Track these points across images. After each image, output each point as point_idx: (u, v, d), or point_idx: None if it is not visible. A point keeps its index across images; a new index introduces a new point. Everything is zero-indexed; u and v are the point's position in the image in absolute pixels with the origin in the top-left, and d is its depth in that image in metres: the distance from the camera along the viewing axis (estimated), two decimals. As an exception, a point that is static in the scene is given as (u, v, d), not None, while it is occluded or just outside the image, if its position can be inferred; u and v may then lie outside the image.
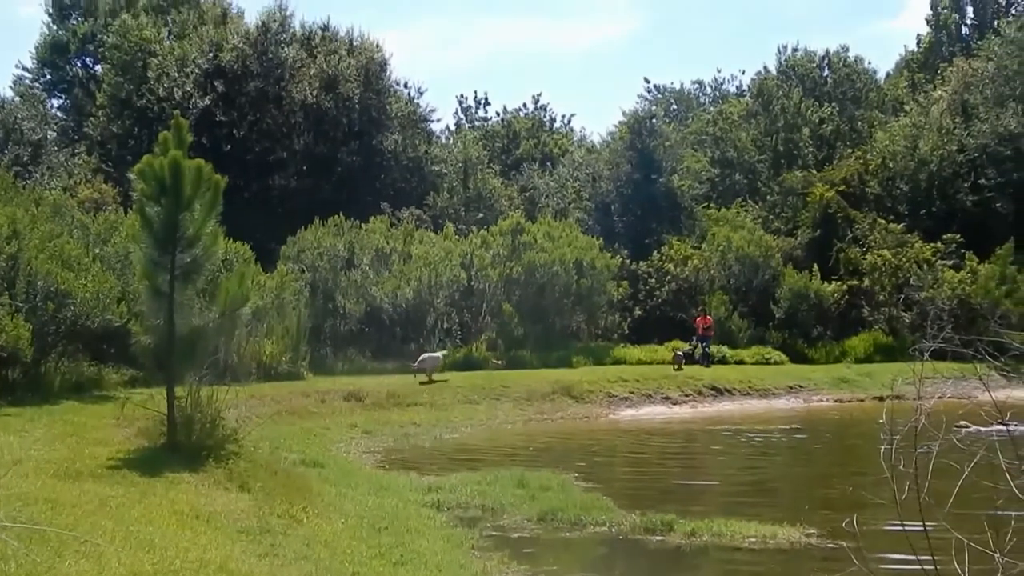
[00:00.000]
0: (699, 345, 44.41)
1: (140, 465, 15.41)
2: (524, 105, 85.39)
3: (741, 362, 44.93)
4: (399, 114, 59.38)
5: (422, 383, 35.29)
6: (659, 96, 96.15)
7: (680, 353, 43.31)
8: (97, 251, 29.67)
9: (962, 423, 7.66)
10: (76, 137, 62.84)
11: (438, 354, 37.73)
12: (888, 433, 7.26)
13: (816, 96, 72.53)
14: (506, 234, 46.23)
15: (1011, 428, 7.51)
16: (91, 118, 60.58)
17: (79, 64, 73.03)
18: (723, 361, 44.45)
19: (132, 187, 17.44)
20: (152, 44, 58.45)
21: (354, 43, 59.51)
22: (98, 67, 67.67)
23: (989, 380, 7.53)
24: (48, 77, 73.99)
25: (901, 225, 54.25)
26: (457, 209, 56.59)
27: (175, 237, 16.48)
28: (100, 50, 65.51)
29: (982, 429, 8.44)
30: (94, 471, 14.77)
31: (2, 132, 53.67)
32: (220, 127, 53.23)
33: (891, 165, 60.12)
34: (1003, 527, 7.14)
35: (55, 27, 73.71)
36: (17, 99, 64.01)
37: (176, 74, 55.49)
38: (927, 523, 7.19)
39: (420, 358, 36.67)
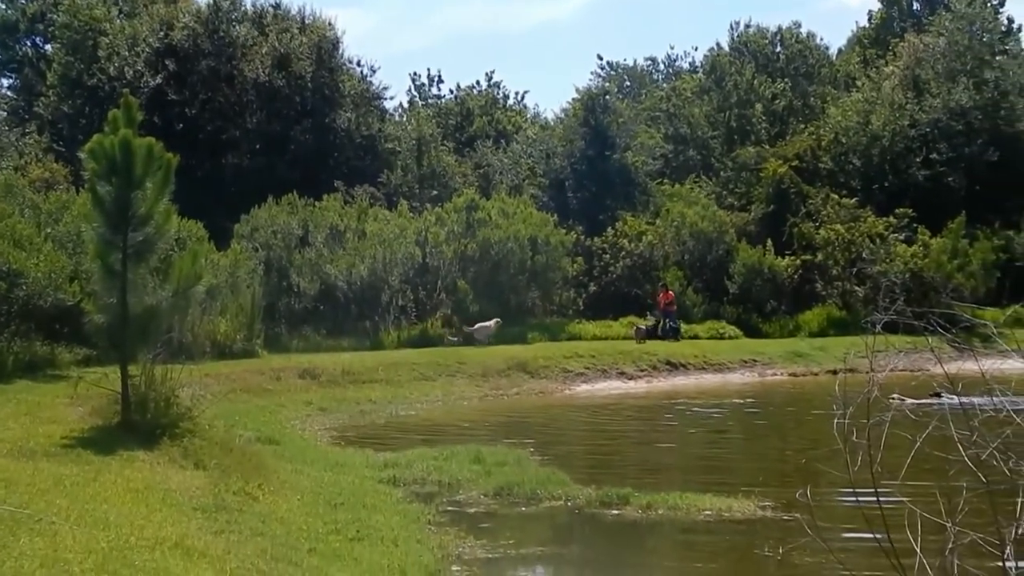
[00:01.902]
0: (664, 320, 44.57)
1: (94, 443, 15.37)
2: (477, 82, 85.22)
3: (696, 337, 45.01)
4: (352, 92, 59.05)
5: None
6: (612, 73, 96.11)
7: (643, 328, 43.53)
8: (49, 230, 29.49)
9: (895, 396, 7.70)
10: (26, 117, 62.36)
11: (490, 323, 40.98)
12: (841, 405, 7.31)
13: (769, 72, 72.54)
14: (460, 211, 46.19)
15: (946, 399, 7.56)
16: (41, 98, 60.11)
17: (29, 43, 72.40)
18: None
19: (83, 166, 17.34)
20: (102, 23, 57.91)
21: (306, 21, 59.13)
22: (48, 46, 67.09)
23: (941, 352, 7.59)
24: (-3, 57, 73.44)
25: (854, 200, 54.46)
26: (411, 186, 56.39)
27: (127, 216, 16.41)
28: (50, 29, 64.99)
29: (915, 401, 8.50)
30: (48, 450, 14.73)
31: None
32: (172, 106, 52.87)
33: (844, 140, 60.33)
34: (955, 497, 7.19)
35: (4, 6, 73.02)
36: (-34, 79, 63.59)
37: (127, 53, 55.05)
38: (880, 494, 7.25)
39: (476, 327, 39.88)
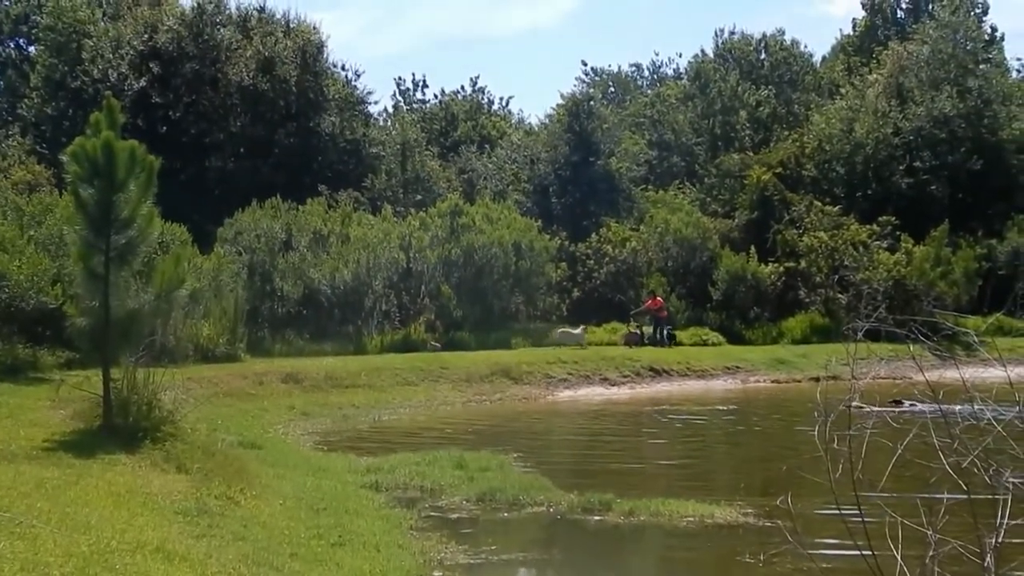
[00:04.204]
0: (656, 327, 44.71)
1: (76, 447, 15.36)
2: (462, 87, 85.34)
3: (679, 343, 45.03)
4: (336, 96, 59.05)
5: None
6: (597, 79, 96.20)
7: (636, 333, 43.71)
8: (31, 233, 29.46)
9: (854, 403, 7.72)
10: (10, 119, 62.38)
11: (576, 330, 42.81)
12: (822, 413, 7.32)
13: (753, 79, 72.84)
14: (444, 216, 46.19)
15: (906, 407, 7.62)
16: (25, 100, 60.05)
17: (12, 45, 72.27)
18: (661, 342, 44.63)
19: (66, 169, 17.32)
20: (86, 25, 57.90)
21: (291, 25, 59.12)
22: (32, 48, 66.99)
23: (923, 360, 7.61)
24: (-20, 59, 73.24)
25: (837, 207, 54.58)
26: (395, 191, 56.38)
27: (110, 219, 16.41)
28: (34, 31, 64.89)
29: (875, 408, 8.52)
30: (29, 453, 14.71)
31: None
32: (156, 109, 52.81)
33: (827, 148, 60.52)
34: (936, 505, 7.21)
35: (-13, 8, 72.98)
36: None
37: (111, 55, 54.98)
38: (861, 501, 7.25)
39: (559, 332, 42.78)
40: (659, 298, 45.90)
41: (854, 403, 7.67)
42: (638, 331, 44.41)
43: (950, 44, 61.85)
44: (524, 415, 31.67)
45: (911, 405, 18.29)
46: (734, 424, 30.46)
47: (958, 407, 7.34)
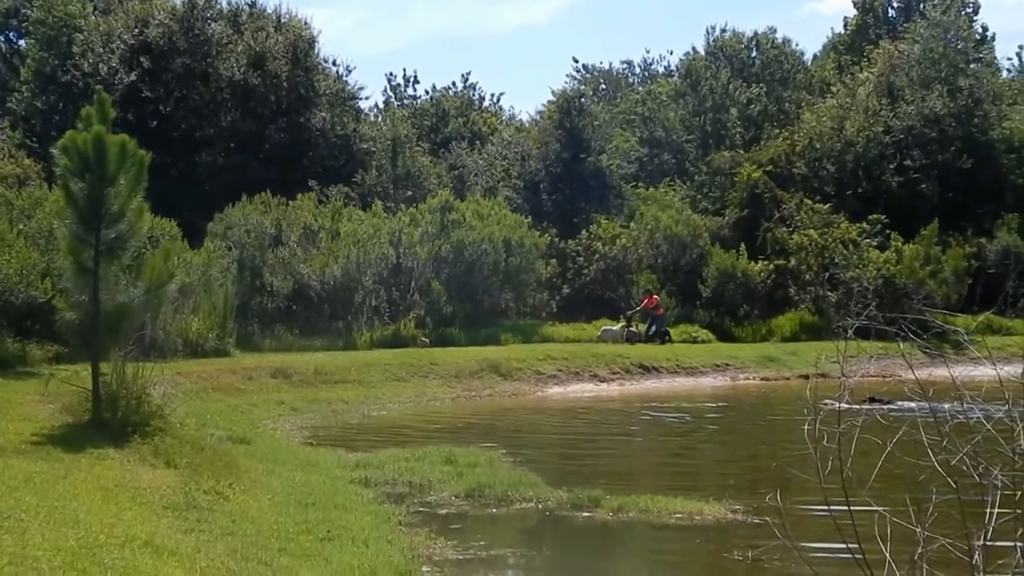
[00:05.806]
0: (650, 325, 44.84)
1: (65, 441, 15.34)
2: (453, 83, 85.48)
3: (671, 340, 45.05)
4: (327, 92, 58.95)
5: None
6: (588, 76, 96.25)
7: (635, 331, 43.79)
8: (21, 227, 29.42)
9: (828, 400, 7.72)
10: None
11: (616, 327, 44.31)
12: (812, 411, 7.32)
13: (744, 77, 72.85)
14: (435, 212, 46.13)
15: (885, 406, 7.63)
16: (15, 93, 59.84)
17: (2, 38, 71.99)
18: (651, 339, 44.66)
19: (56, 163, 17.29)
20: (77, 19, 57.71)
21: (282, 20, 58.99)
22: (22, 42, 66.82)
23: (913, 358, 7.61)
24: (-30, 52, 72.98)
25: (827, 205, 54.56)
26: (386, 187, 56.32)
27: (100, 213, 16.38)
28: (24, 24, 64.70)
29: (847, 406, 8.53)
30: (18, 447, 14.68)
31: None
32: (146, 103, 52.69)
33: (818, 146, 60.47)
34: (925, 502, 7.22)
35: (-24, 2, 72.76)
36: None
37: (101, 49, 54.80)
38: (849, 498, 7.26)
39: (601, 329, 44.41)
40: (655, 296, 45.97)
41: (828, 401, 7.68)
42: (635, 328, 44.48)
43: (941, 43, 61.88)
44: (513, 411, 31.65)
45: (888, 402, 18.36)
46: (723, 421, 30.47)
47: (946, 405, 7.35)
